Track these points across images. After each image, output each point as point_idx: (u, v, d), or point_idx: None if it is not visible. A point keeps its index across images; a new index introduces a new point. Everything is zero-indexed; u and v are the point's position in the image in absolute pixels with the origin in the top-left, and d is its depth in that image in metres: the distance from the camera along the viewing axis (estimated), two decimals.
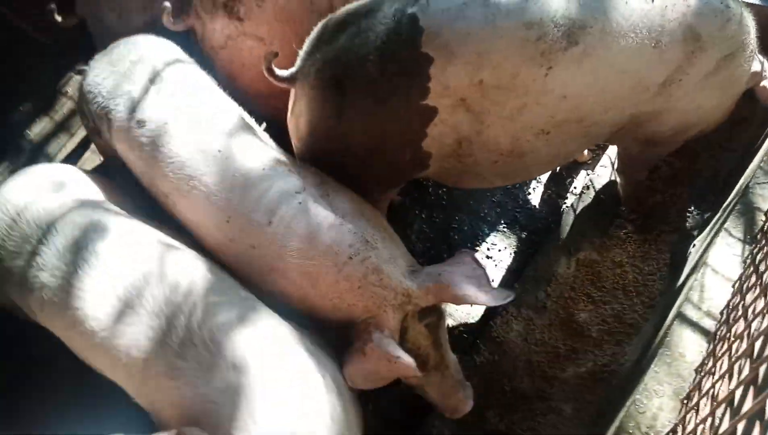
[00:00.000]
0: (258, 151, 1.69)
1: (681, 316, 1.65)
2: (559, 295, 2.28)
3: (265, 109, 2.25)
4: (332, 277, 1.55)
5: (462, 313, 2.34)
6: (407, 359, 1.53)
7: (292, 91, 1.75)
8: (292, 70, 1.68)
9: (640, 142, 2.02)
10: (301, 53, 1.70)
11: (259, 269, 1.62)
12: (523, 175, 2.07)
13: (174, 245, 1.60)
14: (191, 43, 2.08)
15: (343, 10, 1.66)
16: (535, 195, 2.67)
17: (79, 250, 1.49)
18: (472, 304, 1.71)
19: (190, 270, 1.51)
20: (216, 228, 1.62)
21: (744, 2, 1.94)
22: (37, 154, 3.07)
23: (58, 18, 2.23)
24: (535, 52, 1.56)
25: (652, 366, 1.57)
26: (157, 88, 1.74)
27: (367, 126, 1.67)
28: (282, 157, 1.73)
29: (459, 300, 1.66)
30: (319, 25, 1.69)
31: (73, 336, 1.49)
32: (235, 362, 1.35)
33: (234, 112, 1.80)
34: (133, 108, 1.70)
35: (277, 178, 1.63)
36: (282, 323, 1.52)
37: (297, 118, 1.76)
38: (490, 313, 2.31)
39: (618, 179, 2.43)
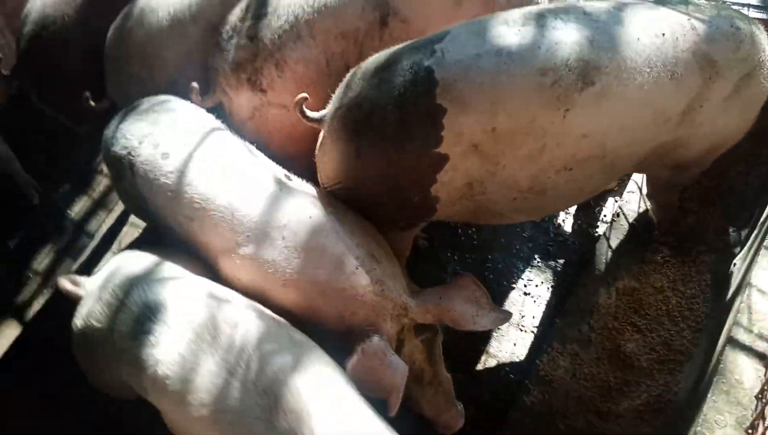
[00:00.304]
0: (271, 175, 1.83)
1: (732, 341, 1.62)
2: (603, 327, 2.25)
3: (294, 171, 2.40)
4: (339, 286, 1.64)
5: (506, 353, 2.33)
6: (399, 362, 1.60)
7: (321, 132, 1.85)
8: (323, 112, 1.80)
9: (669, 168, 2.03)
10: (332, 98, 1.82)
11: (273, 282, 1.70)
12: (547, 210, 2.08)
13: (227, 298, 1.66)
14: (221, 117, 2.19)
15: (368, 61, 1.77)
16: (566, 226, 2.67)
17: (187, 323, 1.56)
18: (470, 328, 1.75)
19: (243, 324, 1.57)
20: (235, 245, 1.72)
21: (754, 18, 1.97)
22: (79, 232, 3.20)
23: (92, 103, 2.37)
24: (551, 96, 1.60)
25: (710, 395, 1.54)
26: (179, 126, 1.90)
27: (381, 169, 1.75)
28: (294, 180, 1.87)
29: (458, 323, 1.71)
30: (348, 74, 1.80)
31: (179, 410, 1.53)
32: (293, 410, 1.38)
33: (245, 145, 1.94)
34: (157, 144, 1.85)
35: (289, 197, 1.75)
36: (336, 367, 1.55)
37: (323, 155, 1.86)
38: (535, 350, 2.30)
39: (649, 204, 2.42)
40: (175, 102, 2.05)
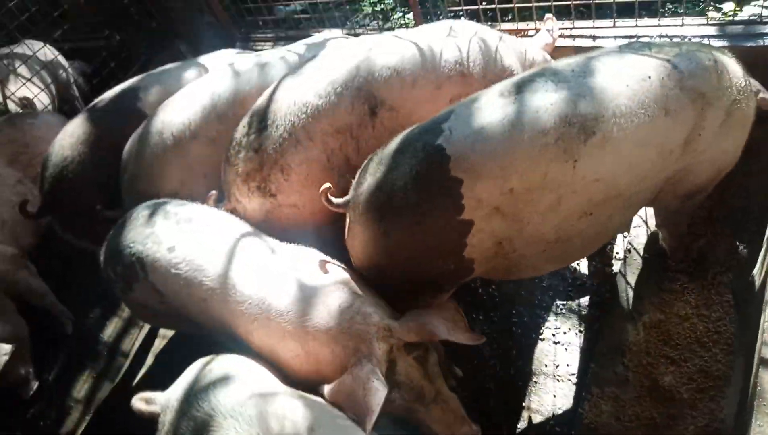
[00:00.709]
0: (260, 245, 2.02)
1: (764, 362, 1.65)
2: (637, 364, 2.27)
3: None
4: (326, 324, 1.78)
5: (548, 406, 2.34)
6: (379, 386, 1.65)
7: (347, 216, 1.96)
8: (346, 198, 1.92)
9: (680, 197, 2.10)
10: (354, 185, 1.94)
11: (277, 338, 1.83)
12: (577, 256, 2.13)
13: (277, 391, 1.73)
14: None
15: (381, 150, 1.90)
16: (582, 269, 2.72)
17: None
18: (446, 339, 1.81)
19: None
20: (242, 315, 1.88)
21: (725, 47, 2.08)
22: (114, 353, 3.28)
23: (108, 213, 2.54)
24: (558, 151, 1.69)
25: (754, 421, 1.55)
26: (172, 220, 2.10)
27: (411, 244, 1.83)
28: (279, 244, 2.06)
29: (434, 336, 1.79)
30: (366, 161, 1.94)
31: None
32: None
33: (239, 221, 2.15)
34: (160, 241, 2.03)
35: (276, 260, 1.95)
36: None
37: (353, 239, 1.95)
38: (575, 398, 2.31)
39: (660, 234, 2.48)
40: (155, 202, 2.23)
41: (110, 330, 3.41)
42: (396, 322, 1.81)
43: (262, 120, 2.14)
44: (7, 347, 2.76)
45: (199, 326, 2.14)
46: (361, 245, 1.93)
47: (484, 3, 3.19)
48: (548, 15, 2.82)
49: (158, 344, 3.22)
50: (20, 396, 3.01)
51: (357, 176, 1.95)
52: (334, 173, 2.18)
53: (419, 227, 1.80)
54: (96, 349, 3.32)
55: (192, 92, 2.56)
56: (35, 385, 3.07)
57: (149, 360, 3.16)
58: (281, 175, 2.12)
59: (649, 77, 1.79)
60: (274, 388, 1.77)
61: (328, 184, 1.92)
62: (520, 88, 1.78)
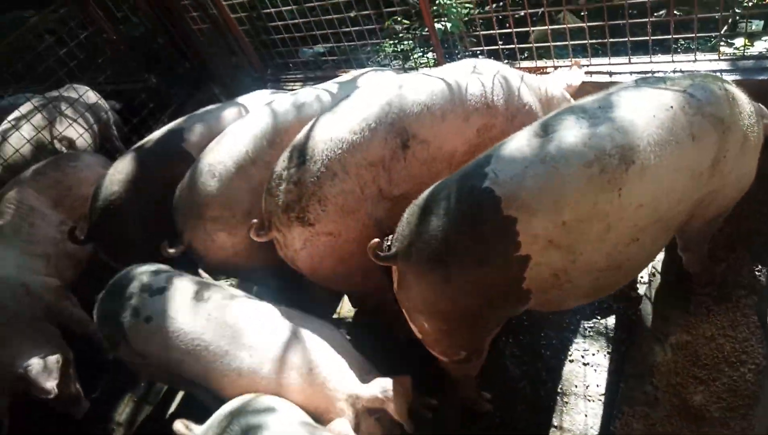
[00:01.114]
0: (233, 307, 2.32)
1: None
2: (666, 384, 2.32)
3: (347, 287, 2.76)
4: (299, 386, 2.11)
5: (579, 426, 2.39)
6: None
7: (395, 268, 2.03)
8: (393, 251, 1.98)
9: (709, 219, 2.21)
10: (397, 236, 2.01)
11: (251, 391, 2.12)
12: (622, 282, 2.18)
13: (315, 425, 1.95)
14: None
15: (423, 198, 1.99)
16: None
17: None
18: (390, 410, 2.03)
19: None
20: (221, 375, 2.19)
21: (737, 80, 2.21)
22: None
23: (170, 250, 2.70)
24: (602, 181, 1.79)
25: None
26: (149, 292, 2.39)
27: (473, 285, 1.89)
28: (253, 303, 2.36)
29: (393, 412, 2.00)
30: (407, 213, 2.02)
31: None
32: None
33: (208, 284, 2.46)
34: (138, 313, 2.34)
35: (254, 323, 2.25)
36: None
37: (407, 290, 2.01)
38: (606, 417, 2.36)
39: (684, 257, 2.55)
40: (135, 273, 2.50)
41: None
42: (364, 390, 2.05)
43: (300, 155, 2.30)
44: (54, 358, 2.97)
45: (180, 382, 2.46)
46: (419, 294, 1.98)
47: (501, 42, 3.37)
48: (576, 60, 2.96)
49: None
50: (73, 416, 3.12)
51: (399, 229, 2.02)
52: (367, 203, 2.32)
53: (480, 268, 1.86)
54: (135, 375, 3.43)
55: (246, 123, 2.77)
56: (87, 405, 3.18)
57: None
58: (319, 206, 2.26)
59: (671, 107, 1.92)
60: (310, 423, 1.94)
61: (376, 240, 2.00)
62: (554, 127, 1.89)
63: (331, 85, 3.00)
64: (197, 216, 2.64)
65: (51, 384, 2.88)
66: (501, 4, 4.33)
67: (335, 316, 3.31)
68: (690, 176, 1.94)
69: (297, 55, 4.42)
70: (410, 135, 2.32)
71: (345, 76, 3.18)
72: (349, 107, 2.38)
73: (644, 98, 1.95)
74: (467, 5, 4.09)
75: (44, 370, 2.92)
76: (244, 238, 2.54)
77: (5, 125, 4.04)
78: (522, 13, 3.27)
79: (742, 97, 2.08)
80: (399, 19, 4.48)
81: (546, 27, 3.20)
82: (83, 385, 3.42)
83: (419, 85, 2.40)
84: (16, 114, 4.10)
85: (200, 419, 2.12)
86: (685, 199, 1.98)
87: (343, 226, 2.32)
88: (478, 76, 2.47)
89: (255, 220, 2.42)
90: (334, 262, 2.41)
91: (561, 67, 3.18)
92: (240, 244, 2.62)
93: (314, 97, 2.83)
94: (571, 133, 1.85)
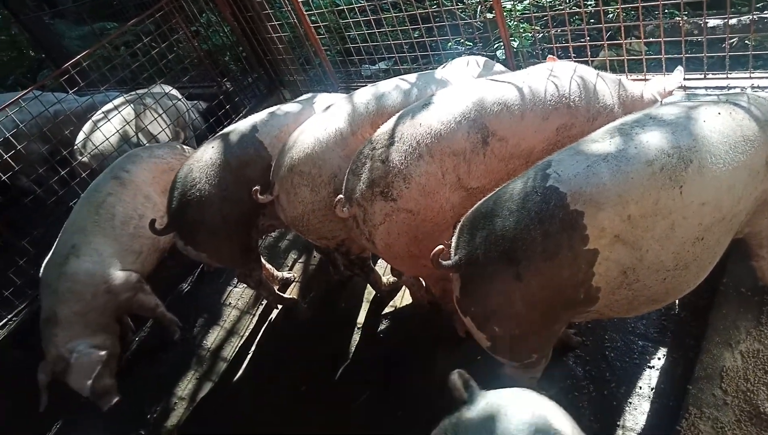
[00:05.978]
0: None
1: None
2: (736, 390, 2.30)
3: (416, 268, 2.78)
4: None
5: (643, 426, 2.38)
6: None
7: (456, 277, 2.07)
8: (455, 260, 2.04)
9: None
10: (458, 244, 2.07)
11: None
12: (691, 284, 2.17)
13: None
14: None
15: (485, 202, 2.07)
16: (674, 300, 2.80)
17: None
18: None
19: None
20: None
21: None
22: (216, 359, 3.53)
23: (262, 197, 2.85)
24: (664, 178, 1.87)
25: None
26: None
27: (544, 281, 1.93)
28: None
29: None
30: (463, 221, 2.09)
31: None
32: None
33: None
34: None
35: None
36: None
37: (474, 296, 2.04)
38: (672, 420, 2.34)
39: (756, 268, 2.53)
40: None
41: (212, 338, 3.68)
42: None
43: (390, 137, 2.44)
44: (99, 355, 3.10)
45: None
46: (489, 294, 2.00)
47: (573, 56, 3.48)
48: (679, 67, 3.05)
49: (255, 352, 3.47)
50: (99, 407, 3.12)
51: (459, 236, 2.08)
52: (446, 188, 2.43)
53: (550, 263, 1.90)
54: (200, 354, 3.59)
55: (354, 98, 2.94)
56: (116, 399, 3.16)
57: (245, 365, 3.41)
58: (403, 183, 2.38)
59: (719, 113, 2.03)
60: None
61: (441, 247, 2.03)
62: (612, 134, 1.99)
63: (412, 77, 3.09)
64: (288, 168, 2.80)
65: (85, 383, 3.01)
66: (573, 25, 4.46)
67: (390, 308, 3.40)
68: (747, 173, 1.99)
69: (360, 75, 4.65)
70: (490, 132, 2.43)
71: (432, 71, 3.27)
72: (439, 101, 2.53)
73: (694, 107, 2.06)
74: (536, 27, 4.23)
75: (84, 366, 3.05)
76: (323, 198, 2.72)
77: (98, 115, 4.36)
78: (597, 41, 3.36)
79: None
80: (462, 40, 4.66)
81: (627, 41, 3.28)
82: (152, 361, 3.60)
83: (500, 86, 2.53)
84: (109, 106, 4.41)
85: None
86: (745, 196, 2.02)
87: (422, 205, 2.44)
88: (557, 77, 2.58)
89: (340, 196, 2.54)
90: (409, 241, 2.51)
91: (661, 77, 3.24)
92: (318, 203, 2.77)
93: (414, 89, 2.95)
94: (630, 136, 1.95)
